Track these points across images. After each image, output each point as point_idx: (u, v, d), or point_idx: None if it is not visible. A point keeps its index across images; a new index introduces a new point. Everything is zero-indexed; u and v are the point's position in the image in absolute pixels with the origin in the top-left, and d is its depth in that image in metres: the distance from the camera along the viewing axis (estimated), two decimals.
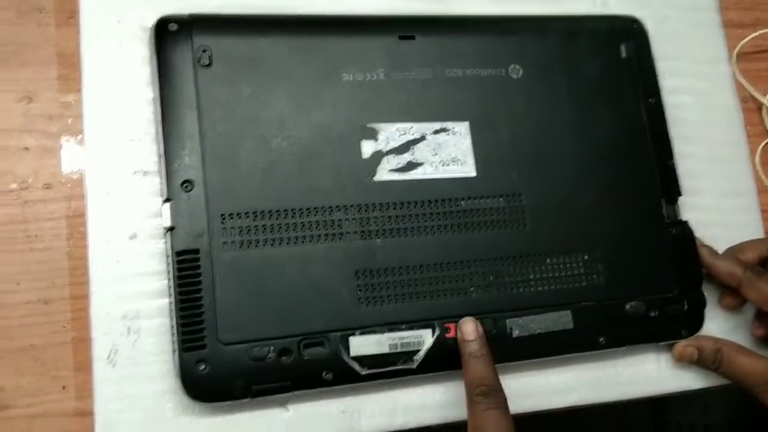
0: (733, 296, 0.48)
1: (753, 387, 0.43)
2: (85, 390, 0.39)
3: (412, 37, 0.45)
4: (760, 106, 0.55)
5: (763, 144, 0.54)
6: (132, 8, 0.43)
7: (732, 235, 0.50)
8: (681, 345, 0.46)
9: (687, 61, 0.53)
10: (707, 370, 0.46)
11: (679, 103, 0.51)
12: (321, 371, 0.40)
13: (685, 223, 0.48)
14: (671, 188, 0.48)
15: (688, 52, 0.53)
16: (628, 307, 0.45)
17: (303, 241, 0.41)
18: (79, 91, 0.42)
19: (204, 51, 0.42)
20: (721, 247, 0.49)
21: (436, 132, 0.45)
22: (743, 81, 0.54)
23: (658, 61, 0.50)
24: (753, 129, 0.54)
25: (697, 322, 0.47)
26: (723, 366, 0.45)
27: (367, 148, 0.43)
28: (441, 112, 0.45)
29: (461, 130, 0.45)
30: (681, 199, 0.48)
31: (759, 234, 0.52)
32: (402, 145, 0.44)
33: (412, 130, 0.44)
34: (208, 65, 0.42)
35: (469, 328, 0.41)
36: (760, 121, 0.55)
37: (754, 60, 0.55)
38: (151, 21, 0.42)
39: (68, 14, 0.43)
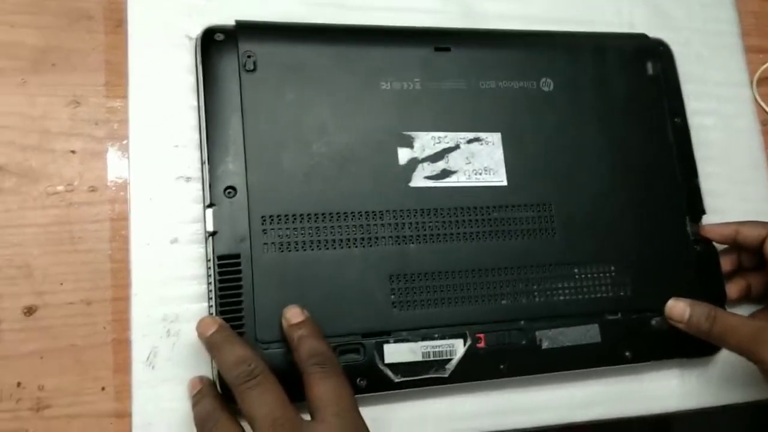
0: (738, 281, 0.48)
1: (745, 343, 0.42)
2: (123, 392, 0.40)
3: (448, 49, 0.47)
4: None
5: None
6: (178, 18, 0.44)
7: None
8: (672, 300, 0.46)
9: (709, 84, 0.54)
10: (697, 332, 0.44)
11: (702, 125, 0.52)
12: (356, 377, 0.40)
13: (709, 242, 0.48)
14: (696, 207, 0.49)
15: (711, 75, 0.55)
16: (653, 322, 0.46)
17: (340, 245, 0.42)
18: (125, 97, 0.43)
19: (249, 57, 0.43)
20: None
21: (470, 141, 0.46)
22: (764, 105, 0.56)
23: (681, 83, 0.52)
24: None
25: None
26: (716, 325, 0.43)
27: (404, 155, 0.44)
28: (474, 122, 0.46)
29: (494, 140, 0.46)
30: (704, 218, 0.49)
31: None
32: (437, 153, 0.45)
33: (446, 138, 0.45)
34: (253, 70, 0.43)
35: (294, 312, 0.39)
36: None
37: None
38: (197, 30, 0.43)
39: (116, 22, 0.44)
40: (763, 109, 0.56)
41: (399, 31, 0.48)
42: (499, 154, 0.46)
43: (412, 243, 0.43)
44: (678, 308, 0.45)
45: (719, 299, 0.48)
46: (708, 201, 0.50)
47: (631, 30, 0.53)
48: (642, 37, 0.51)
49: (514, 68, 0.48)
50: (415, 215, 0.43)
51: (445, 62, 0.46)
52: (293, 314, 0.39)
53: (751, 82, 0.56)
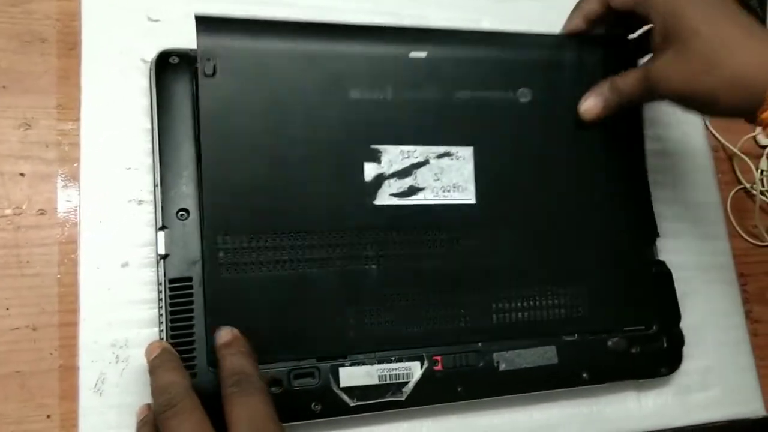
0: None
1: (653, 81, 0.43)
2: (70, 419, 0.38)
3: (423, 54, 0.45)
4: (730, 156, 0.57)
5: (733, 191, 0.57)
6: (133, 41, 0.44)
7: (706, 277, 0.53)
8: (581, 104, 0.46)
9: (660, 111, 0.56)
10: (618, 106, 0.46)
11: (655, 150, 0.54)
12: (310, 402, 0.40)
13: (663, 263, 0.49)
14: (650, 230, 0.49)
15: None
16: (610, 343, 0.46)
17: (295, 266, 0.41)
18: (77, 119, 0.42)
19: (209, 60, 0.41)
20: (696, 289, 0.51)
21: (440, 156, 0.44)
22: (713, 131, 0.57)
23: None
24: (724, 177, 0.57)
25: (676, 359, 0.48)
26: (617, 85, 0.45)
27: (370, 170, 0.43)
28: (446, 135, 0.45)
29: (465, 155, 0.45)
30: (658, 241, 0.50)
31: (732, 278, 0.54)
32: (405, 168, 0.44)
33: (415, 153, 0.44)
34: (212, 75, 0.41)
35: (222, 333, 0.37)
36: (731, 169, 0.57)
37: None
38: (152, 54, 0.43)
39: (70, 45, 0.44)
40: (714, 136, 0.57)
41: (372, 29, 0.45)
42: (469, 169, 0.45)
43: (372, 264, 0.42)
44: (588, 107, 0.46)
45: (674, 320, 0.48)
46: (663, 225, 0.50)
47: None
48: (621, 40, 0.48)
49: (492, 75, 0.46)
50: (377, 235, 0.42)
51: (420, 68, 0.44)
52: (221, 335, 0.37)
53: None
